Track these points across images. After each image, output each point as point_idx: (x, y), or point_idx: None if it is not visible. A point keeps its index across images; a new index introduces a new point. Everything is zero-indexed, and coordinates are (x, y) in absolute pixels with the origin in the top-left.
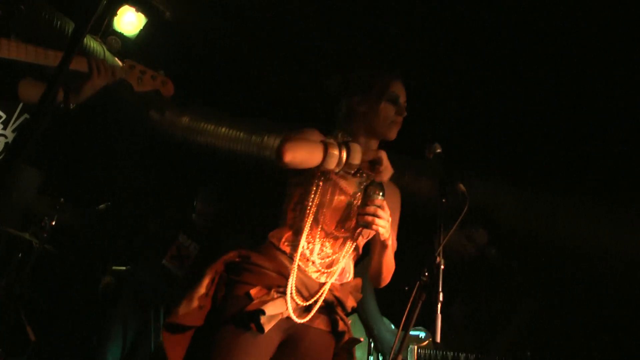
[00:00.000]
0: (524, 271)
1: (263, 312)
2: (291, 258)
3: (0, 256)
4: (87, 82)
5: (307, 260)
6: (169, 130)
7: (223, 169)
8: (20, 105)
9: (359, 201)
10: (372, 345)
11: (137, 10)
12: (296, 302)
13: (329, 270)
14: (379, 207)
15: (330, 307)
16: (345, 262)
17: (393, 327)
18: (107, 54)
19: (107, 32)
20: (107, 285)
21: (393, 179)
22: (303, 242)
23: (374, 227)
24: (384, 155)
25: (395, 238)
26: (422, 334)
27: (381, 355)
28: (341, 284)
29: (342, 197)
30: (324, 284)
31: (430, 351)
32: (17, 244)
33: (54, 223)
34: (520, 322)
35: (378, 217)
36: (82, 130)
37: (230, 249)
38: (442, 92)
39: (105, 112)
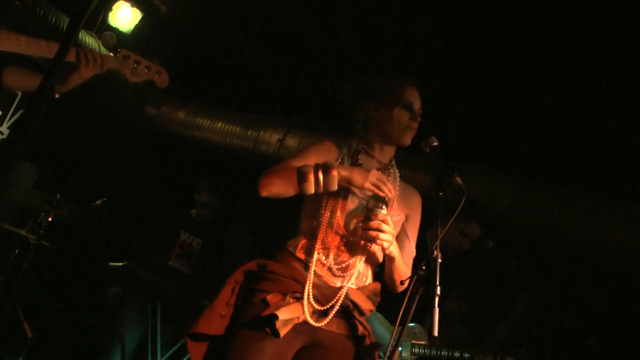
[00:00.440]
0: (520, 267)
1: (276, 317)
2: (306, 264)
3: None
4: (75, 71)
5: (323, 265)
6: (165, 125)
7: (219, 164)
8: (16, 102)
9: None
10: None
11: (132, 5)
12: (313, 307)
13: (344, 275)
14: (383, 221)
15: (347, 312)
16: (362, 265)
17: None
18: (103, 49)
19: (102, 28)
20: (114, 296)
21: (409, 181)
22: (318, 247)
23: (378, 242)
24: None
25: (414, 244)
26: (417, 329)
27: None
28: (358, 288)
29: (355, 201)
30: (340, 288)
31: (424, 349)
32: (13, 240)
33: (50, 219)
34: (516, 319)
35: (382, 231)
36: (78, 126)
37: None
38: (439, 86)
39: (101, 107)
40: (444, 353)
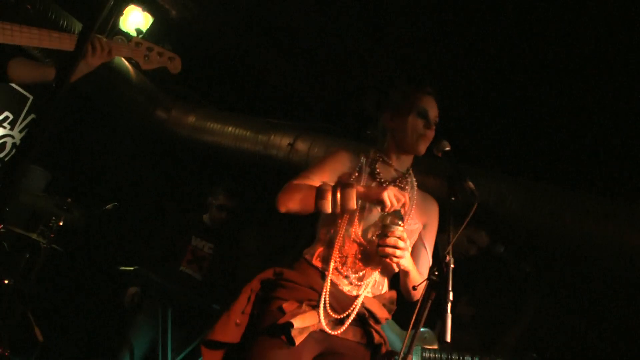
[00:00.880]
0: (531, 271)
1: (292, 325)
2: (322, 272)
3: (8, 256)
4: (82, 62)
5: (340, 274)
6: (175, 130)
7: (230, 168)
8: (28, 106)
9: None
10: None
11: (144, 9)
12: (329, 315)
13: (360, 283)
14: (399, 238)
15: (363, 320)
16: (378, 274)
17: (398, 327)
18: None
19: (113, 32)
20: (134, 295)
21: (421, 186)
22: (335, 256)
23: (394, 259)
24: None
25: (431, 252)
26: (427, 334)
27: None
28: (374, 296)
29: (373, 210)
30: (356, 297)
31: (435, 353)
32: (24, 244)
33: (61, 223)
34: (527, 323)
35: (398, 248)
36: (88, 130)
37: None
38: (450, 90)
39: (112, 111)
40: (455, 357)
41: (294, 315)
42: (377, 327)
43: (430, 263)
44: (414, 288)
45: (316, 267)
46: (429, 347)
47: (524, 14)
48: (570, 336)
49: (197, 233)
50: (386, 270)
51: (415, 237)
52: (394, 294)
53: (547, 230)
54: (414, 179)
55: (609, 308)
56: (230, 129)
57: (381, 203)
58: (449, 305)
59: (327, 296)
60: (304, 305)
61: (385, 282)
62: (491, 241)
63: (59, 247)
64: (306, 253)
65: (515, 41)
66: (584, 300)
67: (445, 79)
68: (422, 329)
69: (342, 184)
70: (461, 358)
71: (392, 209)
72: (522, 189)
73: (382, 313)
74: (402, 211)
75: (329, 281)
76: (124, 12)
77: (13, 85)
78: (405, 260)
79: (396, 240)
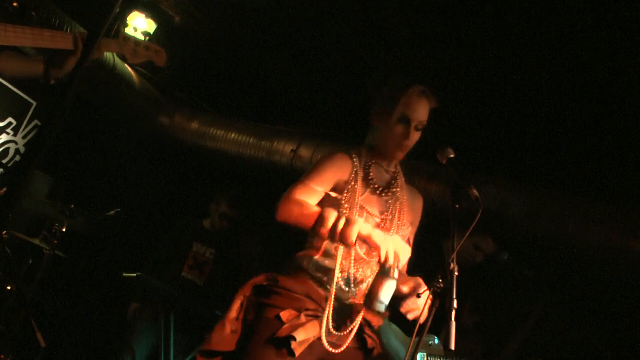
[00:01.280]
0: (535, 277)
1: (294, 338)
2: (319, 281)
3: (10, 262)
4: (72, 57)
5: (340, 288)
6: (178, 135)
7: (233, 174)
8: (30, 112)
9: (385, 221)
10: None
11: (147, 16)
12: (330, 329)
13: (359, 294)
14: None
15: (360, 328)
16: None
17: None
18: (117, 59)
19: (116, 38)
20: (135, 311)
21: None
22: (337, 272)
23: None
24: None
25: (412, 243)
26: (432, 341)
27: None
28: None
29: (369, 221)
30: (356, 308)
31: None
32: (27, 250)
33: (64, 229)
34: (530, 330)
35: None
36: (91, 135)
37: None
38: (453, 96)
39: (114, 117)
40: None
41: (294, 326)
42: (371, 333)
43: (409, 255)
44: (418, 295)
45: (314, 277)
46: (433, 353)
47: (534, 17)
48: (574, 342)
49: (198, 238)
50: None
51: (406, 239)
52: None
53: (550, 236)
54: (402, 177)
55: (614, 314)
56: (233, 135)
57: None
58: (454, 312)
59: (331, 309)
60: (302, 315)
61: None
62: (495, 249)
63: (61, 253)
64: (301, 259)
65: (520, 47)
66: (588, 306)
67: (450, 84)
68: (428, 336)
69: (346, 219)
70: None
71: (387, 265)
72: (526, 195)
73: (377, 321)
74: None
75: (333, 296)
76: (128, 18)
77: (16, 90)
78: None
79: (414, 300)
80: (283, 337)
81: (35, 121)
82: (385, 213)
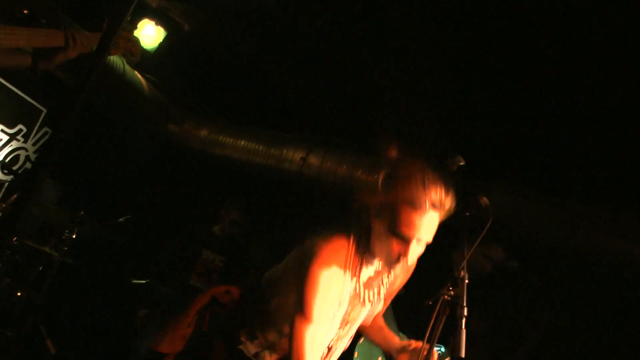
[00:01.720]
0: (544, 285)
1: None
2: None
3: (20, 269)
4: (61, 53)
5: None
6: (187, 143)
7: (242, 181)
8: (41, 119)
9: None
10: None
11: (157, 23)
12: None
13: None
14: None
15: None
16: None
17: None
18: (127, 66)
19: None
20: (144, 317)
21: None
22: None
23: None
24: None
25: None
26: (439, 350)
27: None
28: None
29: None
30: None
31: None
32: (37, 257)
33: (74, 236)
34: (539, 338)
35: None
36: (100, 142)
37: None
38: (462, 104)
39: (123, 124)
40: None
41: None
42: None
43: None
44: (430, 303)
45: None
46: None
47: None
48: (583, 351)
49: (207, 245)
50: None
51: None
52: None
53: (558, 244)
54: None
55: (623, 322)
56: (242, 142)
57: None
58: (464, 321)
59: None
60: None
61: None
62: (504, 258)
63: (71, 260)
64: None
65: (528, 54)
66: (597, 314)
67: (459, 92)
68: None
69: None
70: None
71: None
72: (534, 203)
73: None
74: None
75: None
76: (138, 26)
77: (26, 97)
78: None
79: None
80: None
81: (46, 128)
82: (358, 303)
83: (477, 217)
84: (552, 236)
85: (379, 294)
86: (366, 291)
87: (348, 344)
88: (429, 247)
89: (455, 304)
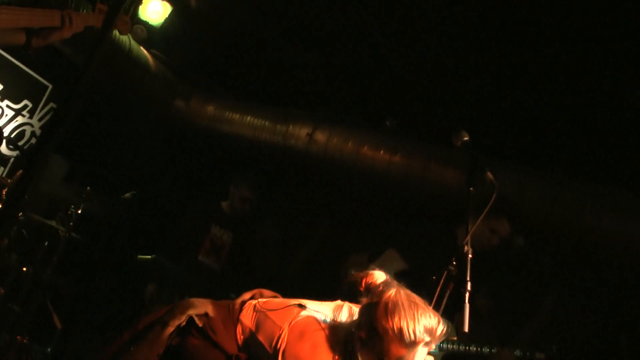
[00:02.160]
0: (551, 263)
1: None
2: None
3: (27, 244)
4: (56, 32)
5: None
6: (194, 119)
7: (248, 158)
8: (47, 94)
9: None
10: None
11: None
12: None
13: None
14: None
15: None
16: None
17: None
18: (133, 43)
19: (132, 21)
20: (153, 292)
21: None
22: None
23: None
24: None
25: None
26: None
27: None
28: None
29: None
30: None
31: (453, 344)
32: (43, 232)
33: (80, 211)
34: (546, 316)
35: None
36: (107, 119)
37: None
38: (469, 80)
39: (130, 100)
40: (473, 349)
41: None
42: None
43: None
44: (434, 278)
45: None
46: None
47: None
48: (589, 329)
49: (216, 221)
50: None
51: None
52: None
53: (567, 222)
54: None
55: (629, 300)
56: (249, 118)
57: None
58: (468, 295)
59: None
60: None
61: None
62: (512, 232)
63: (77, 235)
64: None
65: (538, 31)
66: (603, 292)
67: (466, 69)
68: None
69: None
70: (479, 349)
71: None
72: (543, 182)
73: None
74: None
75: None
76: (144, 1)
77: (32, 73)
78: None
79: None
80: None
81: (51, 104)
82: None
83: (482, 192)
84: (560, 214)
85: None
86: None
87: None
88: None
89: (459, 278)
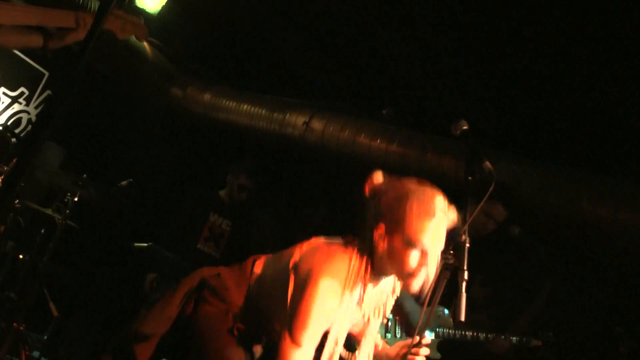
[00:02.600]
0: (547, 253)
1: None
2: None
3: (23, 232)
4: (72, 33)
5: None
6: (190, 107)
7: (245, 146)
8: (43, 82)
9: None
10: (389, 323)
11: None
12: None
13: None
14: None
15: None
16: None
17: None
18: None
19: (129, 9)
20: (153, 281)
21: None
22: None
23: None
24: None
25: None
26: (441, 312)
27: (405, 328)
28: None
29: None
30: None
31: (450, 330)
32: (39, 220)
33: (76, 199)
34: (541, 305)
35: None
36: (104, 106)
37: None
38: (466, 68)
39: (127, 88)
40: (469, 335)
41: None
42: None
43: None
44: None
45: None
46: (443, 325)
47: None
48: (584, 318)
49: (215, 209)
50: None
51: None
52: None
53: (562, 212)
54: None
55: (624, 290)
56: (245, 107)
57: None
58: (464, 284)
59: None
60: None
61: None
62: (507, 221)
63: (74, 223)
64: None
65: (535, 22)
66: (598, 282)
67: (464, 60)
68: (438, 307)
69: None
70: (475, 335)
71: None
72: (538, 171)
73: None
74: None
75: None
76: None
77: (29, 60)
78: None
79: None
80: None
81: (48, 91)
82: (357, 322)
83: (480, 181)
84: (555, 204)
85: (381, 312)
86: (368, 309)
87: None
88: None
89: (456, 267)
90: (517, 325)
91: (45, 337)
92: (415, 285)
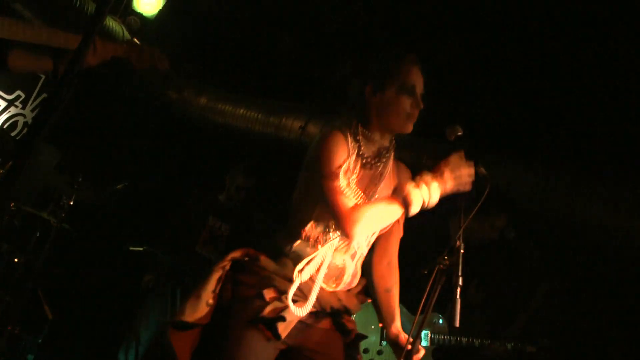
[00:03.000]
0: (542, 255)
1: (284, 319)
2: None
3: (18, 234)
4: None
5: (318, 271)
6: (186, 110)
7: (241, 150)
8: (39, 85)
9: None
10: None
11: None
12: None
13: (338, 280)
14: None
15: (337, 314)
16: (353, 267)
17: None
18: (126, 34)
19: (126, 12)
20: (149, 281)
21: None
22: (318, 259)
23: None
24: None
25: (402, 223)
26: (436, 319)
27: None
28: (348, 290)
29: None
30: (334, 293)
31: (444, 336)
32: (35, 223)
33: (72, 202)
34: (537, 308)
35: None
36: (100, 109)
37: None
38: (459, 72)
39: (123, 90)
40: (464, 341)
41: (278, 309)
42: (349, 318)
43: (402, 234)
44: (425, 272)
45: (296, 263)
46: (437, 332)
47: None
48: (579, 321)
49: (214, 213)
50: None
51: None
52: (364, 281)
53: (557, 216)
54: (393, 153)
55: (619, 293)
56: (241, 110)
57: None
58: (459, 290)
59: (315, 294)
60: (284, 298)
61: (359, 272)
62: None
63: (69, 226)
64: (284, 245)
65: (530, 22)
66: (593, 285)
67: (458, 62)
68: (433, 314)
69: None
70: (471, 341)
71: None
72: (533, 174)
73: (355, 307)
74: None
75: (318, 285)
76: None
77: None
78: None
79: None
80: (270, 319)
81: (44, 94)
82: (371, 186)
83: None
84: (550, 207)
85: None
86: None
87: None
88: (426, 215)
89: (451, 273)
90: (513, 329)
91: (40, 340)
92: (411, 127)
